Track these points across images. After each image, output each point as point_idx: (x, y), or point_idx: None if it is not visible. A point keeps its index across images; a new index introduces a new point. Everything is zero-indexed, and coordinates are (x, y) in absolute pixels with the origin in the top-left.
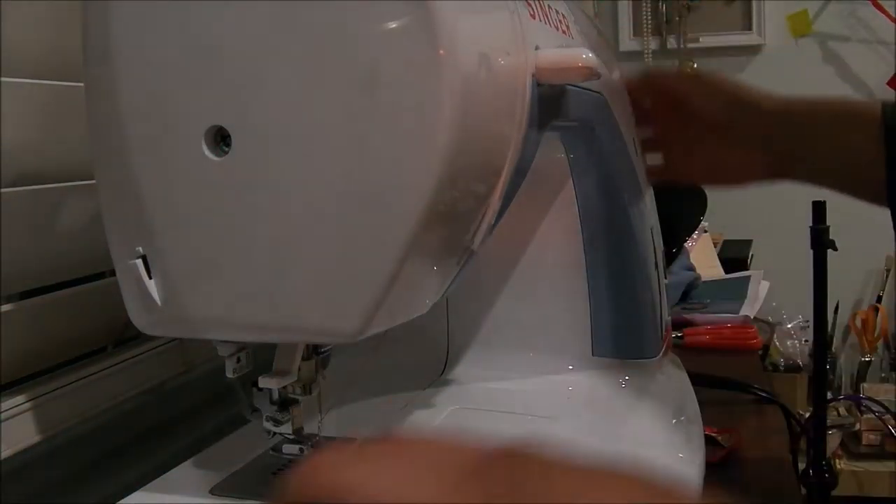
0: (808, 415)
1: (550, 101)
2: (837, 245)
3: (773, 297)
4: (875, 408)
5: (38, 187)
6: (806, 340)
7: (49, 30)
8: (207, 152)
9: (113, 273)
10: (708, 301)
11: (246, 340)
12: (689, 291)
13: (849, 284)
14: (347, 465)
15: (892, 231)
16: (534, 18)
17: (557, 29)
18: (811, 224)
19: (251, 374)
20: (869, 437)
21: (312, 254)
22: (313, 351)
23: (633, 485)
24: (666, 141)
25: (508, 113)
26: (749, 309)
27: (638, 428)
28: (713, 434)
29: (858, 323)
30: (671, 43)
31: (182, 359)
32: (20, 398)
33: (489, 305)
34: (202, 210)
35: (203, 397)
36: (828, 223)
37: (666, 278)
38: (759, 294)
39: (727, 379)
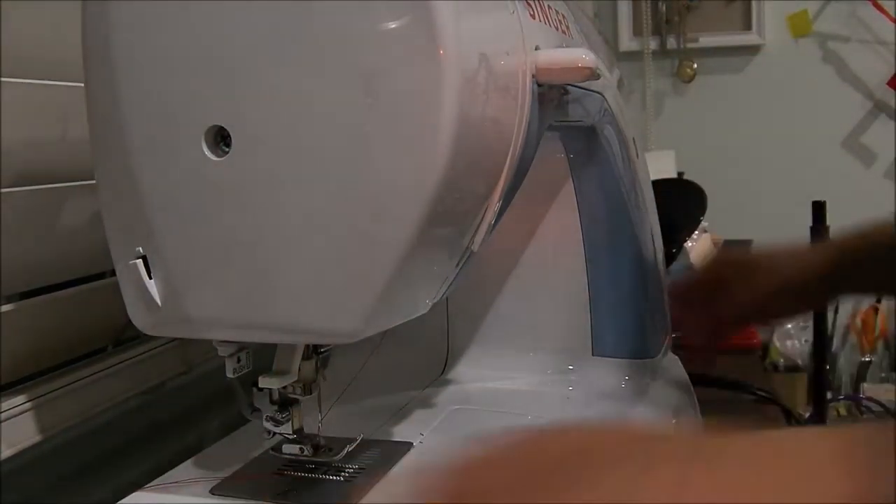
0: (808, 415)
1: (550, 101)
2: None
3: None
4: (875, 408)
5: (38, 187)
6: (806, 340)
7: (49, 30)
8: (207, 152)
9: (113, 273)
10: None
11: (246, 340)
12: None
13: None
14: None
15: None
16: (534, 18)
17: (557, 29)
18: (811, 224)
19: (251, 374)
20: None
21: (312, 254)
22: (313, 351)
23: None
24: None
25: (508, 113)
26: None
27: None
28: None
29: (858, 323)
30: (671, 43)
31: (182, 359)
32: (20, 398)
33: (489, 305)
34: (202, 210)
35: (203, 397)
36: (828, 223)
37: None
38: None
39: (727, 379)
